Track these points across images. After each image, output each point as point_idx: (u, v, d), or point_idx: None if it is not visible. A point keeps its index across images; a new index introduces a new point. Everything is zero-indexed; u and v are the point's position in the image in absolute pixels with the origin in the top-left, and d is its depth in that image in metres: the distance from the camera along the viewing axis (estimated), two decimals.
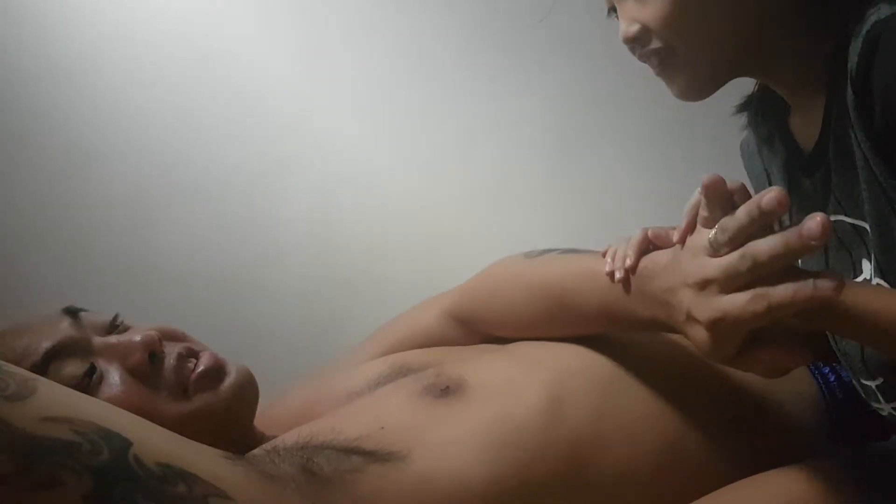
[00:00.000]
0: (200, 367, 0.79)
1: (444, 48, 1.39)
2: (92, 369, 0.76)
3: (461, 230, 1.40)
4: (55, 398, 0.59)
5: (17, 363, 0.65)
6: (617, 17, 0.74)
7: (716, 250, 0.61)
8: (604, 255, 0.78)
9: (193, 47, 1.32)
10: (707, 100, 0.74)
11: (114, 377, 0.76)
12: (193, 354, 0.81)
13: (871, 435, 0.85)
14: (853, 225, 0.69)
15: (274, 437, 0.77)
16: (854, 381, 0.79)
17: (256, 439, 0.81)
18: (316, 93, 1.36)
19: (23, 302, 1.20)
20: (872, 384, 0.73)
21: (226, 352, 0.87)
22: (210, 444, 0.66)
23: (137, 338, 0.78)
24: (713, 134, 0.84)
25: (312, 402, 0.93)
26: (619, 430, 0.78)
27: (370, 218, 1.38)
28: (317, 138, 1.37)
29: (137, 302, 1.21)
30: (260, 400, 0.85)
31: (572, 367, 0.83)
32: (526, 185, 1.42)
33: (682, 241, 0.66)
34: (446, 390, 0.79)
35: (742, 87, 0.79)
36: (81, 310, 0.82)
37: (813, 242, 0.55)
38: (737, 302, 0.58)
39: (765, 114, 0.80)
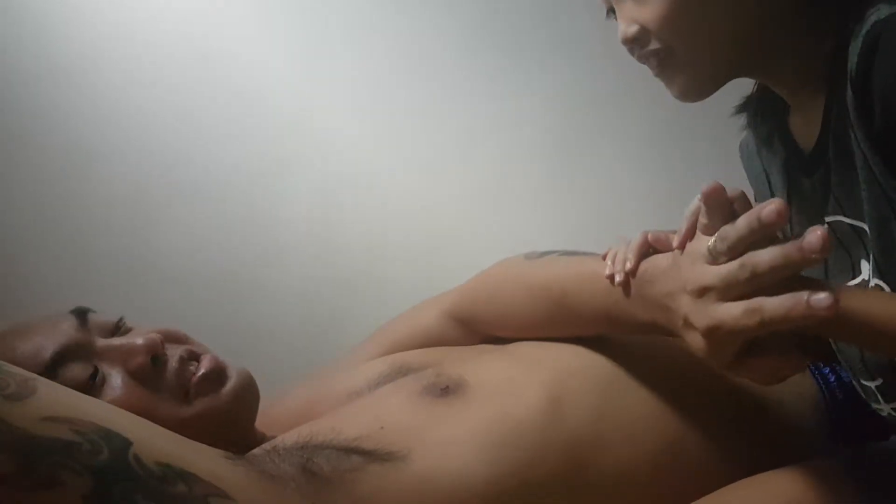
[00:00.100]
0: (201, 371, 0.79)
1: (444, 48, 1.39)
2: (95, 373, 0.76)
3: (461, 230, 1.40)
4: (55, 398, 0.59)
5: (24, 366, 0.65)
6: (616, 18, 0.74)
7: (714, 258, 0.61)
8: (604, 257, 0.78)
9: (193, 47, 1.32)
10: (707, 100, 0.74)
11: (116, 380, 0.76)
12: (195, 357, 0.81)
13: (871, 435, 0.85)
14: (852, 226, 0.69)
15: (274, 437, 0.77)
16: (854, 382, 0.79)
17: (256, 439, 0.81)
18: (316, 93, 1.36)
19: (23, 302, 1.20)
20: (872, 385, 0.73)
21: (226, 352, 0.87)
22: (210, 445, 0.66)
23: (140, 341, 0.78)
24: (713, 134, 0.84)
25: (312, 402, 0.93)
26: (619, 430, 0.78)
27: (370, 218, 1.38)
28: (317, 138, 1.37)
29: (137, 302, 1.21)
30: (260, 400, 0.85)
31: (572, 367, 0.83)
32: (526, 185, 1.42)
33: (682, 246, 0.66)
34: (446, 390, 0.79)
35: (741, 87, 0.79)
36: (90, 310, 0.82)
37: (813, 256, 0.55)
38: (732, 312, 0.58)
39: (764, 114, 0.79)
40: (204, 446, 0.65)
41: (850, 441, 0.86)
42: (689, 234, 0.65)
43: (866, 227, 0.67)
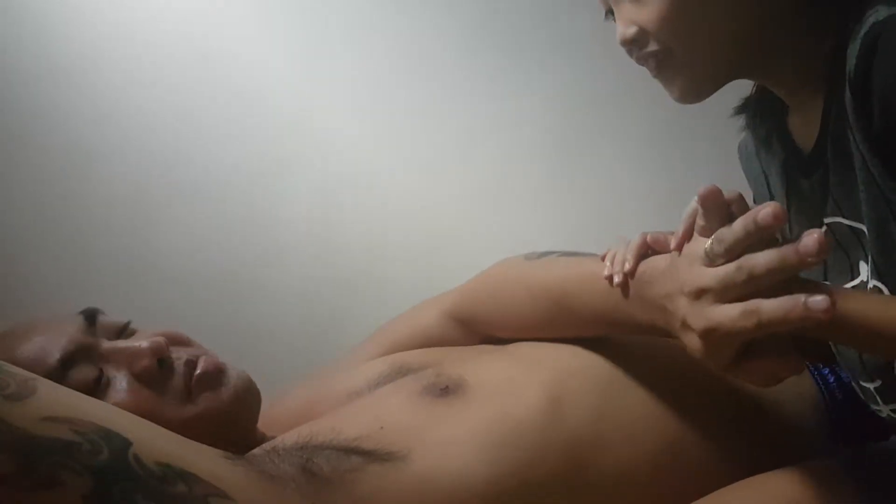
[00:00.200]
0: (198, 370, 0.80)
1: (444, 48, 1.39)
2: (100, 375, 0.76)
3: (461, 230, 1.40)
4: (55, 398, 0.59)
5: (30, 367, 0.65)
6: (614, 19, 0.74)
7: (712, 260, 0.61)
8: (603, 258, 0.78)
9: (193, 47, 1.32)
10: (707, 100, 0.74)
11: (121, 383, 0.76)
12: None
13: (870, 435, 0.85)
14: (851, 227, 0.69)
15: (274, 437, 0.77)
16: (853, 383, 0.79)
17: (257, 439, 0.81)
18: (316, 93, 1.36)
19: (23, 302, 1.21)
20: (871, 386, 0.73)
21: (226, 352, 0.87)
22: (211, 446, 0.66)
23: (145, 344, 0.78)
24: (713, 134, 0.84)
25: (312, 402, 0.93)
26: (619, 430, 0.78)
27: (370, 218, 1.38)
28: (317, 138, 1.37)
29: (137, 302, 1.21)
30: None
31: (572, 367, 0.83)
32: (526, 185, 1.42)
33: (679, 248, 0.66)
34: (446, 390, 0.79)
35: (741, 87, 0.79)
36: (99, 312, 0.82)
37: (810, 259, 0.55)
38: (729, 314, 0.59)
39: (763, 115, 0.79)
40: (204, 446, 0.65)
41: (850, 441, 0.86)
42: (687, 236, 0.65)
43: (865, 229, 0.67)
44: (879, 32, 0.59)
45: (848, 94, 0.62)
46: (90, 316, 0.81)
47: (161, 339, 0.79)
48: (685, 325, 0.63)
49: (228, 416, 0.80)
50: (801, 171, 0.74)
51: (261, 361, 1.02)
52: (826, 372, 0.89)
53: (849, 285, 0.71)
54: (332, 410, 0.83)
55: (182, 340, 0.84)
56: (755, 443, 0.82)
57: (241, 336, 1.27)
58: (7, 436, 0.53)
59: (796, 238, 0.56)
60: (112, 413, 0.62)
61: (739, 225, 0.59)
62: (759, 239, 0.58)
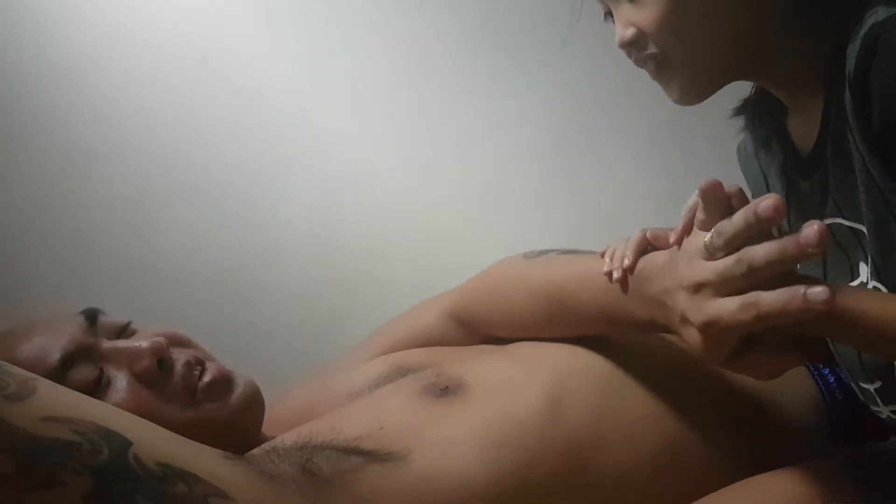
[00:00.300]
0: (208, 378, 0.80)
1: (444, 48, 1.39)
2: (101, 375, 0.76)
3: (461, 230, 1.40)
4: (55, 398, 0.59)
5: (30, 366, 0.65)
6: (613, 21, 0.74)
7: (711, 254, 0.61)
8: (602, 255, 0.78)
9: (193, 47, 1.32)
10: (707, 99, 0.74)
11: (121, 383, 0.76)
12: (200, 363, 0.81)
13: (870, 436, 0.85)
14: (851, 228, 0.69)
15: (274, 437, 0.77)
16: (853, 385, 0.78)
17: (257, 440, 0.81)
18: (316, 93, 1.36)
19: (23, 302, 1.21)
20: (871, 387, 0.73)
21: (226, 352, 0.87)
22: (212, 447, 0.66)
23: (146, 344, 0.78)
24: (713, 134, 0.84)
25: (312, 403, 0.93)
26: (619, 430, 0.78)
27: (370, 218, 1.38)
28: (317, 138, 1.37)
29: (137, 302, 1.21)
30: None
31: (572, 367, 0.83)
32: (526, 185, 1.42)
33: (679, 242, 0.66)
34: (446, 390, 0.79)
35: (741, 88, 0.79)
36: (100, 312, 0.82)
37: (810, 250, 0.55)
38: (728, 307, 0.58)
39: (762, 116, 0.79)
40: (204, 446, 0.65)
41: (850, 441, 0.86)
42: (686, 231, 0.65)
43: (864, 230, 0.67)
44: (879, 33, 0.59)
45: (847, 94, 0.62)
46: (91, 316, 0.81)
47: (161, 340, 0.79)
48: (684, 320, 0.63)
49: (234, 424, 0.80)
50: (800, 172, 0.74)
51: (261, 361, 1.02)
52: (826, 372, 0.89)
53: None
54: (332, 410, 0.83)
55: (182, 341, 0.84)
56: (755, 443, 0.82)
57: (241, 336, 1.27)
58: (7, 436, 0.53)
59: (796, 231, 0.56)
60: (112, 413, 0.62)
61: (740, 217, 0.58)
62: (759, 232, 0.58)
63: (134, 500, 0.55)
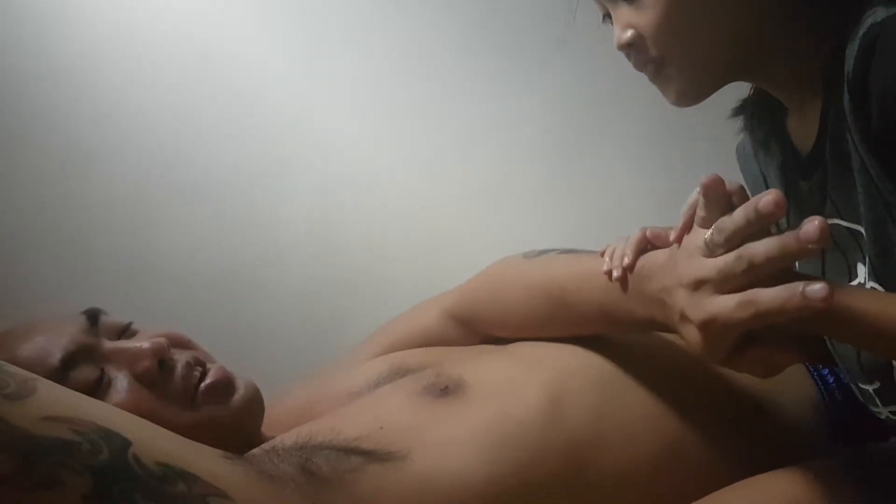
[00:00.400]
0: (210, 380, 0.80)
1: (444, 48, 1.39)
2: (102, 376, 0.76)
3: (461, 230, 1.40)
4: (55, 398, 0.59)
5: (31, 366, 0.65)
6: (611, 22, 0.73)
7: (711, 251, 0.61)
8: (602, 254, 0.78)
9: (193, 47, 1.32)
10: (707, 99, 0.74)
11: (122, 383, 0.76)
12: (201, 364, 0.81)
13: (870, 436, 0.85)
14: (849, 229, 0.69)
15: (273, 437, 0.77)
16: (852, 385, 0.78)
17: (256, 440, 0.81)
18: (316, 93, 1.36)
19: (23, 302, 1.21)
20: (870, 388, 0.73)
21: (226, 352, 0.87)
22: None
23: (147, 345, 0.78)
24: (713, 134, 0.84)
25: (312, 402, 0.93)
26: (619, 430, 0.78)
27: (370, 218, 1.38)
28: (317, 138, 1.37)
29: (137, 302, 1.21)
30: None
31: (572, 367, 0.83)
32: (526, 185, 1.42)
33: (679, 240, 0.66)
34: (445, 390, 0.79)
35: (740, 88, 0.79)
36: (102, 312, 0.82)
37: (810, 246, 0.55)
38: (727, 305, 0.58)
39: (761, 117, 0.79)
40: (204, 446, 0.65)
41: (850, 441, 0.86)
42: (687, 228, 0.65)
43: (863, 231, 0.67)
44: (878, 34, 0.59)
45: (846, 95, 0.61)
46: (93, 316, 0.81)
47: (162, 341, 0.79)
48: (683, 318, 0.63)
49: (234, 426, 0.80)
50: (799, 172, 0.74)
51: (261, 361, 1.03)
52: (825, 372, 0.89)
53: None
54: (332, 410, 0.83)
55: (183, 342, 0.84)
56: (755, 443, 0.82)
57: (241, 336, 1.27)
58: (7, 435, 0.53)
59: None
60: (112, 413, 0.62)
61: (740, 213, 0.58)
62: (760, 228, 0.58)
63: (133, 500, 0.55)
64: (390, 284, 1.35)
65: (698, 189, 0.62)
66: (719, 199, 0.62)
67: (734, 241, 0.59)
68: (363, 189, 1.38)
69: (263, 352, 1.26)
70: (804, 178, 0.73)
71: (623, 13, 0.71)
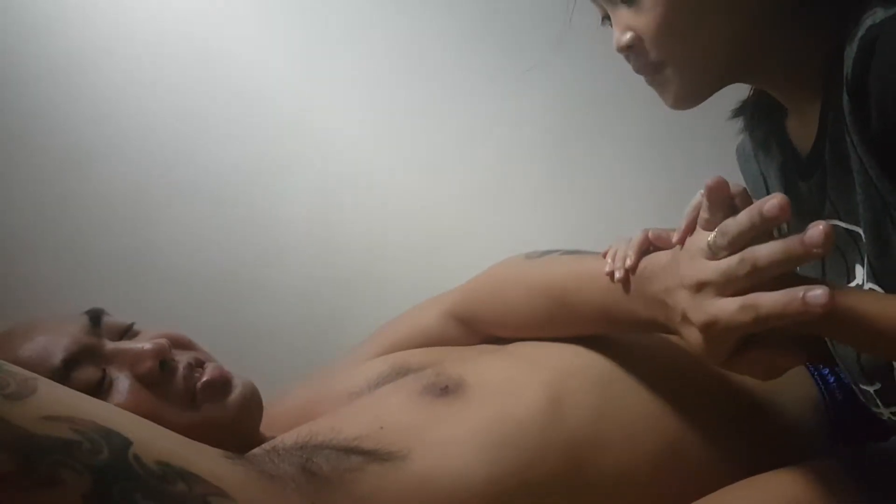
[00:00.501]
0: (206, 377, 0.80)
1: (444, 48, 1.39)
2: (103, 377, 0.76)
3: (461, 230, 1.40)
4: (55, 397, 0.59)
5: (33, 366, 0.65)
6: (611, 24, 0.73)
7: (714, 253, 0.61)
8: (604, 255, 0.78)
9: (193, 47, 1.32)
10: (708, 100, 0.74)
11: (123, 384, 0.76)
12: (201, 365, 0.82)
13: (870, 436, 0.85)
14: (847, 230, 0.69)
15: (274, 437, 0.77)
16: (853, 386, 0.78)
17: (256, 440, 0.81)
18: (316, 93, 1.36)
19: (23, 302, 1.20)
20: (870, 389, 0.73)
21: (226, 352, 0.87)
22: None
23: (148, 346, 0.78)
24: (713, 134, 0.84)
25: (312, 402, 0.93)
26: (619, 430, 0.78)
27: (370, 218, 1.38)
28: (317, 138, 1.37)
29: (137, 302, 1.21)
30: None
31: (572, 367, 0.83)
32: (526, 185, 1.42)
33: (682, 241, 0.66)
34: (446, 390, 0.79)
35: (740, 89, 0.79)
36: (104, 312, 0.82)
37: (815, 250, 0.55)
38: (728, 308, 0.58)
39: (760, 118, 0.79)
40: (204, 446, 0.65)
41: (850, 441, 0.86)
42: (689, 230, 0.65)
43: (861, 231, 0.67)
44: (877, 35, 0.59)
45: (845, 96, 0.61)
46: (95, 316, 0.81)
47: (164, 342, 0.79)
48: (685, 319, 0.63)
49: (231, 425, 0.80)
50: (798, 173, 0.74)
51: (261, 361, 1.02)
52: (826, 372, 0.89)
53: None
54: (332, 410, 0.83)
55: (184, 343, 0.84)
56: (755, 443, 0.82)
57: (241, 336, 1.27)
58: (7, 435, 0.53)
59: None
60: (112, 412, 0.62)
61: (744, 216, 0.58)
62: (764, 231, 0.58)
63: (134, 500, 0.55)
64: (390, 284, 1.35)
65: (702, 191, 0.63)
66: (723, 201, 0.62)
67: (738, 243, 0.59)
68: (363, 189, 1.38)
69: (263, 352, 1.26)
70: (803, 179, 0.73)
71: (622, 15, 0.71)
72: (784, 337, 0.61)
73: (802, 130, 0.72)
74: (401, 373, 0.89)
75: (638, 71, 0.73)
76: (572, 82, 1.41)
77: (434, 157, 1.40)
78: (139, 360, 0.77)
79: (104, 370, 0.77)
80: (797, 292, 0.55)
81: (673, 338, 0.85)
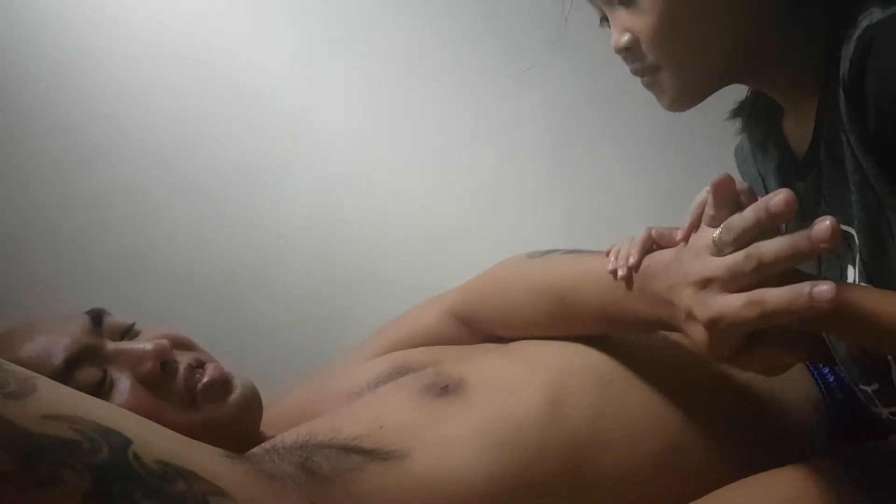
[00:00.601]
0: (206, 378, 0.80)
1: (444, 48, 1.39)
2: (104, 377, 0.76)
3: (461, 230, 1.40)
4: (56, 396, 0.59)
5: (34, 368, 0.65)
6: (609, 26, 0.74)
7: (720, 249, 0.61)
8: (607, 254, 0.78)
9: (193, 47, 1.32)
10: (707, 100, 0.74)
11: (124, 385, 0.76)
12: (202, 365, 0.82)
13: (870, 435, 0.85)
14: (841, 231, 0.69)
15: (274, 436, 0.77)
16: (852, 386, 0.78)
17: (256, 439, 0.81)
18: (316, 93, 1.36)
19: (23, 302, 1.20)
20: (869, 389, 0.73)
21: (226, 352, 0.87)
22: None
23: (150, 346, 0.78)
24: (712, 134, 0.84)
25: (312, 402, 0.93)
26: (619, 430, 0.78)
27: (370, 218, 1.38)
28: (317, 138, 1.37)
29: (137, 302, 1.21)
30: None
31: (573, 366, 0.83)
32: (526, 185, 1.42)
33: (686, 238, 0.66)
34: (446, 389, 0.79)
35: (739, 89, 0.79)
36: (105, 312, 0.82)
37: (822, 245, 0.55)
38: (733, 304, 0.58)
39: (758, 119, 0.79)
40: (204, 445, 0.65)
41: (850, 441, 0.86)
42: (694, 227, 0.65)
43: (854, 232, 0.67)
44: (873, 35, 0.59)
45: (842, 96, 0.61)
46: (96, 317, 0.81)
47: (165, 342, 0.79)
48: (690, 316, 0.63)
49: (232, 426, 0.80)
50: (795, 174, 0.74)
51: (261, 361, 1.02)
52: (826, 372, 0.89)
53: None
54: (332, 410, 0.83)
55: (185, 343, 0.84)
56: (755, 443, 0.82)
57: (241, 336, 1.27)
58: (7, 434, 0.53)
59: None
60: (112, 411, 0.62)
61: (750, 212, 0.58)
62: (769, 228, 0.58)
63: (133, 499, 0.55)
64: (390, 284, 1.35)
65: (708, 188, 0.63)
66: (729, 198, 0.62)
67: (743, 239, 0.59)
68: (363, 189, 1.38)
69: (263, 352, 1.26)
70: (800, 179, 0.73)
71: (620, 17, 0.71)
72: (787, 333, 0.61)
73: (799, 131, 0.72)
74: (401, 372, 0.89)
75: (635, 73, 0.73)
76: (572, 82, 1.41)
77: (434, 157, 1.40)
78: (140, 361, 0.77)
79: (105, 371, 0.77)
80: (803, 287, 0.55)
81: (674, 337, 0.85)
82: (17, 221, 1.25)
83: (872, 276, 0.66)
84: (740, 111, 0.81)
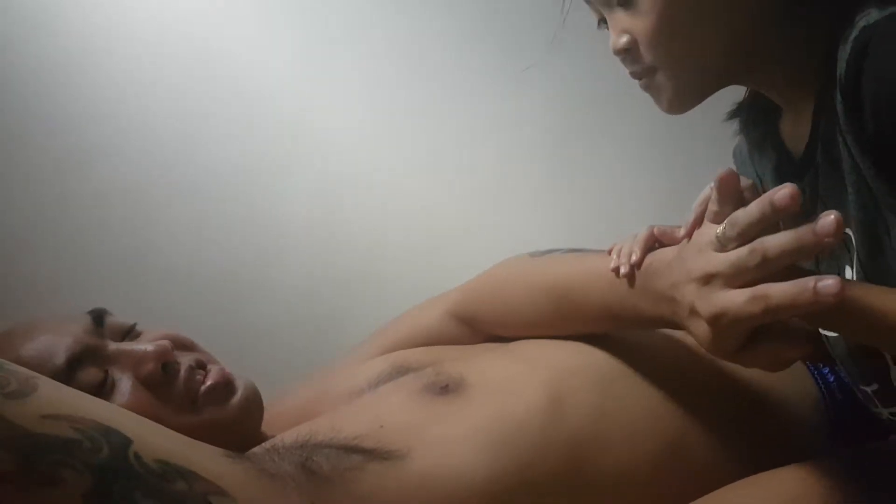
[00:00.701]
0: (209, 382, 0.80)
1: (444, 48, 1.39)
2: (105, 378, 0.76)
3: (461, 230, 1.40)
4: (56, 396, 0.59)
5: (36, 368, 0.65)
6: (607, 27, 0.74)
7: (723, 245, 0.61)
8: (609, 252, 0.78)
9: (193, 47, 1.32)
10: (707, 100, 0.74)
11: (125, 386, 0.77)
12: (203, 366, 0.82)
13: (870, 435, 0.85)
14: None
15: (274, 436, 0.77)
16: (852, 386, 0.78)
17: (257, 439, 0.81)
18: (316, 93, 1.36)
19: (23, 302, 1.20)
20: (869, 389, 0.73)
21: (226, 352, 0.87)
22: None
23: (151, 347, 0.78)
24: (713, 134, 0.84)
25: (313, 402, 0.93)
26: (620, 430, 0.78)
27: (370, 218, 1.38)
28: (317, 138, 1.37)
29: (137, 302, 1.21)
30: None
31: (573, 366, 0.83)
32: (526, 185, 1.42)
33: (690, 234, 0.66)
34: (446, 388, 0.79)
35: (739, 90, 0.79)
36: (107, 313, 0.82)
37: (827, 240, 0.55)
38: (738, 299, 0.58)
39: (756, 120, 0.79)
40: (204, 444, 0.65)
41: (850, 441, 0.86)
42: (698, 223, 0.65)
43: (851, 233, 0.67)
44: (870, 36, 0.59)
45: (838, 96, 0.61)
46: (98, 317, 0.81)
47: (167, 343, 0.79)
48: (693, 312, 0.63)
49: (233, 426, 0.80)
50: (793, 174, 0.74)
51: (261, 361, 1.02)
52: (826, 372, 0.89)
53: None
54: (333, 409, 0.83)
55: (186, 344, 0.84)
56: (755, 443, 0.82)
57: (241, 336, 1.27)
58: (7, 433, 0.53)
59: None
60: (112, 411, 0.62)
61: (755, 207, 0.58)
62: (773, 223, 0.58)
63: (134, 498, 0.55)
64: (390, 284, 1.35)
65: (712, 184, 0.63)
66: (733, 193, 0.62)
67: (748, 234, 0.59)
68: (363, 189, 1.38)
69: (263, 352, 1.26)
70: (797, 180, 0.73)
71: (618, 18, 0.71)
72: (789, 328, 0.61)
73: (796, 132, 0.72)
74: (401, 372, 0.89)
75: (633, 76, 0.73)
76: (572, 82, 1.41)
77: (434, 157, 1.40)
78: (142, 362, 0.78)
79: (106, 371, 0.77)
80: (808, 282, 0.55)
81: (674, 336, 0.85)
82: (17, 221, 1.25)
83: (870, 277, 0.66)
84: (738, 112, 0.81)
